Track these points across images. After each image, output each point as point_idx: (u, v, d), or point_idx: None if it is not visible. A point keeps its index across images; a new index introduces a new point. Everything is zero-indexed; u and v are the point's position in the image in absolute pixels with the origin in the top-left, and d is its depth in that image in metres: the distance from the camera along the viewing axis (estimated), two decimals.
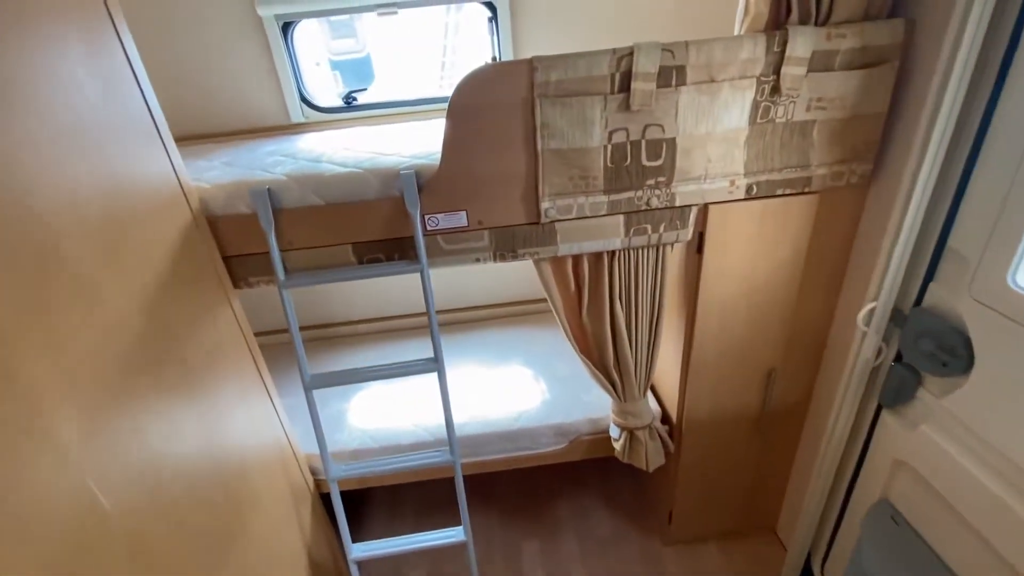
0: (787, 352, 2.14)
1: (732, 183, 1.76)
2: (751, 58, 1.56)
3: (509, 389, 2.57)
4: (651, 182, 1.72)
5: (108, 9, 1.29)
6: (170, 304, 1.43)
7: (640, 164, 1.69)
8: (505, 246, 1.81)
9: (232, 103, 2.48)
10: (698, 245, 1.89)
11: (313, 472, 2.27)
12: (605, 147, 1.65)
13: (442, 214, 1.75)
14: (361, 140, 2.20)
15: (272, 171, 1.79)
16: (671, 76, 1.56)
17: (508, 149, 1.65)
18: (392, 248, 1.81)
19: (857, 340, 1.85)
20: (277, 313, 3.03)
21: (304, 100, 2.58)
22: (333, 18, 4.45)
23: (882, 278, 1.71)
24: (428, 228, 1.76)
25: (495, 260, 1.85)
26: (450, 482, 2.07)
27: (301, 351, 1.81)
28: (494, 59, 2.56)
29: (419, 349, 2.86)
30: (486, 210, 1.74)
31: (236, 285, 1.80)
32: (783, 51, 1.55)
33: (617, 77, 1.55)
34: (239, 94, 2.47)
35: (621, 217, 1.78)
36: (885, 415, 1.85)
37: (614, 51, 1.53)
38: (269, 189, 1.67)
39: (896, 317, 1.74)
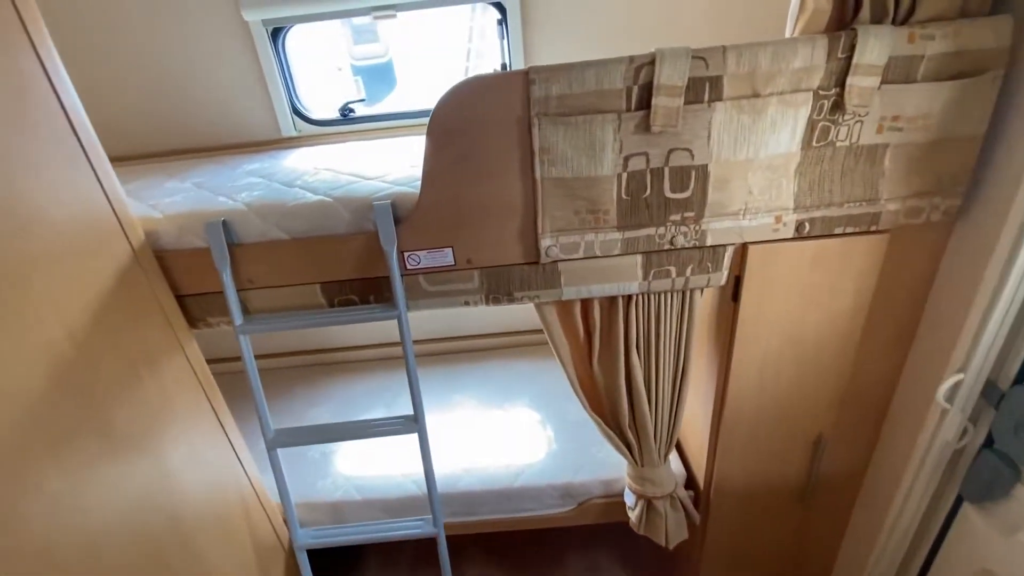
0: (840, 417, 1.78)
1: (778, 219, 1.43)
2: (807, 66, 1.23)
3: (512, 437, 2.28)
4: (676, 217, 1.41)
5: (16, 8, 1.07)
6: (97, 359, 1.21)
7: (663, 196, 1.38)
8: (499, 288, 1.53)
9: (220, 116, 2.29)
10: (734, 291, 1.57)
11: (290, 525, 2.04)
12: (619, 176, 1.35)
13: (424, 251, 1.48)
14: (351, 158, 1.96)
15: (236, 198, 1.57)
16: (703, 90, 1.25)
17: (501, 177, 1.37)
18: (368, 288, 1.55)
19: (934, 416, 1.49)
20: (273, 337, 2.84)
21: (297, 112, 2.36)
22: (356, 22, 4.27)
23: (972, 343, 1.34)
24: (408, 267, 1.50)
25: (487, 303, 1.57)
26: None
27: (263, 408, 1.58)
28: (504, 67, 2.29)
29: (425, 383, 2.60)
30: (476, 247, 1.47)
31: (193, 326, 1.58)
32: (850, 57, 1.22)
33: (635, 91, 1.25)
34: (226, 106, 2.27)
35: (639, 257, 1.48)
36: (969, 511, 1.48)
37: (631, 59, 1.23)
38: (225, 221, 1.44)
39: (989, 393, 1.37)
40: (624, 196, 1.38)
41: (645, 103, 1.26)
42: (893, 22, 1.22)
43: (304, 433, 1.64)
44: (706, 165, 1.34)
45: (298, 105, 2.36)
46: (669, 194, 1.38)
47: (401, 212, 1.46)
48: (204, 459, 1.57)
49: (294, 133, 2.36)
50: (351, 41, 4.90)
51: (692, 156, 1.32)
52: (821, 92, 1.27)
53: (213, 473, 1.61)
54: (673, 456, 2.11)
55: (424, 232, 1.45)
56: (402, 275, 1.50)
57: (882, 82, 1.24)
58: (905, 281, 1.52)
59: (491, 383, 2.59)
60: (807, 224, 1.43)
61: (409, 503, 2.05)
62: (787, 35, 1.34)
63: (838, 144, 1.33)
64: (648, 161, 1.33)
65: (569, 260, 1.48)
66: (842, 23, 1.27)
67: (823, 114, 1.29)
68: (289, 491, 1.66)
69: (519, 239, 1.46)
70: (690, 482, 2.09)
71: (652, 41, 1.26)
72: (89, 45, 2.01)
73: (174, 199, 1.63)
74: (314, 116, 2.39)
